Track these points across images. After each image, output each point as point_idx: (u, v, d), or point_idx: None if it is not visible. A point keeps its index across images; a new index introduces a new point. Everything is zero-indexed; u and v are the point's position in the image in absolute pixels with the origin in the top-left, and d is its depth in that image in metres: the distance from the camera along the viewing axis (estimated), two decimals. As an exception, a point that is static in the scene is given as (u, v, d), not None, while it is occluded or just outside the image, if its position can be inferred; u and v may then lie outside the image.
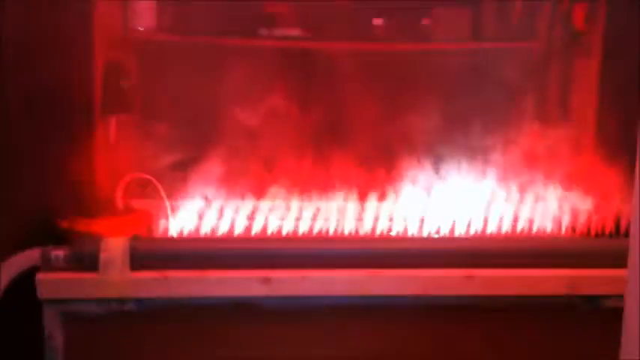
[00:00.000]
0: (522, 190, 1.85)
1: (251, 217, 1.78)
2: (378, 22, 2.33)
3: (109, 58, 2.08)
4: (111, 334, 1.66)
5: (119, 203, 1.92)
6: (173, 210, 1.86)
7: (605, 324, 1.44)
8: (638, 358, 1.14)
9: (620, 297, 1.18)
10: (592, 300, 1.69)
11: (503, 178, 1.87)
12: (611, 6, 2.10)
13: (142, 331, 1.66)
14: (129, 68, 2.17)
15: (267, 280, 1.64)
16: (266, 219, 1.77)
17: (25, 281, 1.64)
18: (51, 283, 1.63)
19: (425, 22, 2.33)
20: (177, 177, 1.92)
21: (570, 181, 1.88)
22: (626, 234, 1.76)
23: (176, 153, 1.98)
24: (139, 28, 2.24)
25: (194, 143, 1.99)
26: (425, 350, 1.70)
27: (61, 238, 1.74)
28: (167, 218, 1.84)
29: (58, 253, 1.65)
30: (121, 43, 2.16)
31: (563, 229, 1.82)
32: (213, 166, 1.89)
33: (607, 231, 1.80)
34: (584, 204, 1.83)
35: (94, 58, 2.02)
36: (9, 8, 1.72)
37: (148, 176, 1.92)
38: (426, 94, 2.15)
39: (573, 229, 1.82)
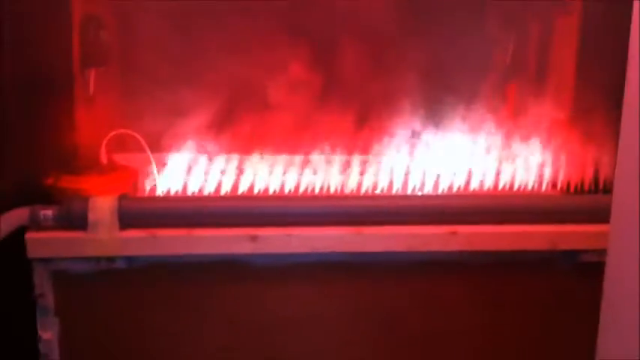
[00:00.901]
0: (504, 147, 1.88)
1: (238, 175, 1.79)
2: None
3: (87, 10, 2.05)
4: (101, 291, 1.68)
5: (103, 159, 1.91)
6: (158, 166, 1.86)
7: (585, 277, 1.49)
8: (618, 308, 1.18)
9: (599, 251, 1.22)
10: (571, 255, 1.73)
11: (485, 134, 1.90)
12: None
13: (132, 288, 1.68)
14: (107, 20, 2.14)
15: (254, 238, 1.67)
16: (253, 177, 1.78)
17: (14, 240, 1.65)
18: (40, 243, 1.64)
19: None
20: (161, 131, 1.91)
21: (551, 138, 1.91)
22: (605, 190, 1.81)
23: (159, 106, 1.97)
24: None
25: (177, 97, 1.98)
26: (410, 305, 1.74)
27: (47, 196, 1.74)
28: (153, 175, 1.85)
29: (47, 212, 1.65)
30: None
31: (544, 186, 1.85)
32: (198, 120, 1.89)
33: (586, 187, 1.83)
34: (564, 160, 1.86)
35: (72, 10, 1.99)
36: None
37: (132, 132, 1.92)
38: (406, 48, 2.15)
39: (554, 186, 1.85)
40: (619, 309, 1.19)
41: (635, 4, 1.13)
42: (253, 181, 1.79)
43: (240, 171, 1.79)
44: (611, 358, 1.20)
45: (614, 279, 1.20)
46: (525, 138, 1.89)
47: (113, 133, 1.90)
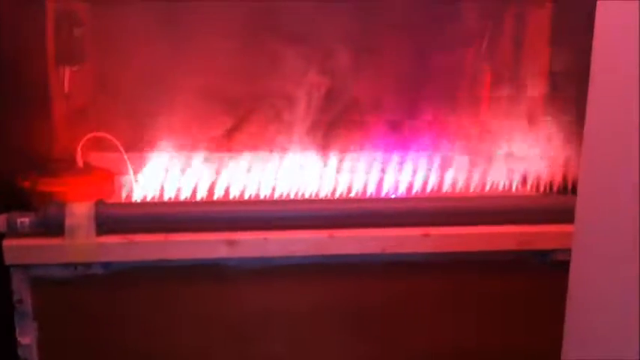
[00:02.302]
0: (474, 149, 1.91)
1: (214, 179, 1.80)
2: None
3: (61, 7, 2.04)
4: (79, 296, 1.69)
5: (79, 161, 1.92)
6: (135, 167, 1.87)
7: (556, 276, 1.52)
8: (582, 307, 1.21)
9: (569, 251, 1.24)
10: (543, 254, 1.77)
11: (455, 135, 1.92)
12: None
13: (110, 293, 1.70)
14: (82, 17, 2.13)
15: (231, 242, 1.69)
16: (228, 181, 1.80)
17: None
18: (17, 249, 1.65)
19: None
20: (137, 132, 1.92)
21: (521, 138, 1.94)
22: (574, 191, 1.85)
23: (134, 105, 1.98)
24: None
25: (152, 95, 1.99)
26: (384, 306, 1.78)
27: (23, 198, 1.75)
28: (129, 178, 1.86)
29: (24, 219, 1.66)
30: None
31: (514, 187, 1.88)
32: (175, 121, 1.89)
33: (555, 188, 1.87)
34: (534, 161, 1.89)
35: (46, 7, 1.99)
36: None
37: (107, 135, 1.92)
38: (373, 42, 2.16)
39: (524, 186, 1.89)
40: (584, 308, 1.22)
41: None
42: (229, 184, 1.80)
43: (216, 174, 1.80)
44: (576, 358, 1.23)
45: (579, 279, 1.23)
46: (496, 139, 1.91)
47: (88, 135, 1.90)
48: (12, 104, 1.82)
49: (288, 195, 1.82)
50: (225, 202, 1.79)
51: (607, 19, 1.12)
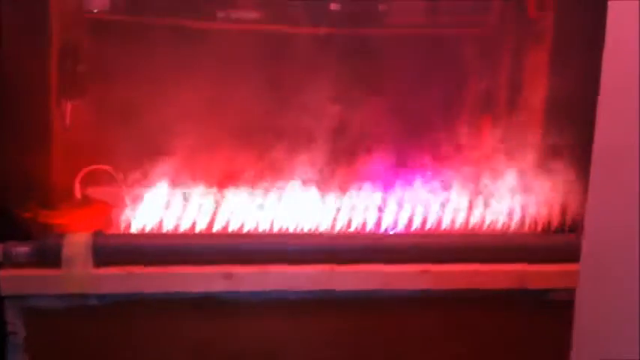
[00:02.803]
0: (474, 186, 1.91)
1: (213, 212, 1.80)
2: (334, 6, 2.34)
3: (64, 41, 2.05)
4: (74, 328, 1.68)
5: (77, 194, 1.91)
6: (133, 201, 1.87)
7: (554, 316, 1.51)
8: (588, 347, 1.20)
9: (568, 290, 1.24)
10: (541, 293, 1.76)
11: (455, 172, 1.92)
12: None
13: (105, 325, 1.68)
14: (84, 52, 2.15)
15: (228, 276, 1.68)
16: (227, 214, 1.80)
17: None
18: (13, 280, 1.64)
19: (378, 7, 2.34)
20: (136, 165, 1.92)
21: (519, 175, 1.94)
22: (572, 229, 1.85)
23: (135, 140, 1.98)
24: (94, 10, 2.21)
25: (153, 130, 1.99)
26: (383, 342, 1.76)
27: (21, 230, 1.74)
28: (127, 210, 1.85)
29: (20, 249, 1.65)
30: (77, 26, 2.14)
31: (513, 225, 1.88)
32: (173, 155, 1.89)
33: (554, 226, 1.86)
34: (533, 199, 1.89)
35: (50, 42, 2.00)
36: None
37: (107, 167, 1.92)
38: (379, 81, 2.18)
39: (522, 225, 1.88)
40: (589, 347, 1.21)
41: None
42: (228, 218, 1.79)
43: (215, 207, 1.80)
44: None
45: (584, 317, 1.22)
46: (495, 177, 1.91)
47: (87, 168, 1.90)
48: (13, 136, 1.82)
49: (288, 229, 1.81)
50: (223, 234, 1.78)
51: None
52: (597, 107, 1.15)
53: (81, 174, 1.92)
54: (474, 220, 1.87)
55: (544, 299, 1.77)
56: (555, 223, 1.87)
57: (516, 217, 1.88)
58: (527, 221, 1.88)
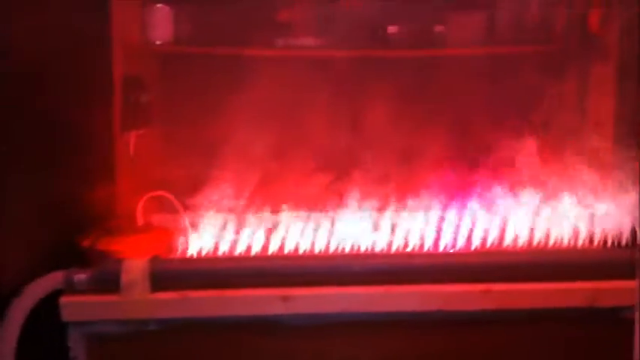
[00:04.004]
0: (539, 201, 1.85)
1: (268, 235, 1.79)
2: (392, 29, 2.33)
3: (127, 72, 2.10)
4: (134, 353, 1.69)
5: (139, 220, 1.94)
6: (192, 226, 1.88)
7: (626, 334, 1.44)
8: None
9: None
10: (612, 311, 1.68)
11: (520, 188, 1.87)
12: (626, 8, 2.08)
13: (164, 349, 1.69)
14: (148, 82, 2.19)
15: (286, 298, 1.66)
16: (283, 236, 1.79)
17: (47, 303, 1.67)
18: (74, 306, 1.66)
19: (439, 27, 2.33)
20: (197, 192, 1.93)
21: (587, 190, 1.87)
22: (643, 245, 1.77)
23: (197, 168, 1.99)
24: (157, 42, 2.25)
25: (214, 158, 2.00)
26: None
27: (83, 257, 1.77)
28: (186, 236, 1.86)
29: (81, 276, 1.67)
30: (140, 57, 2.18)
31: (580, 241, 1.81)
32: (233, 181, 1.90)
33: (623, 241, 1.79)
34: (601, 214, 1.82)
35: (113, 73, 2.04)
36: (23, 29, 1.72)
37: (167, 194, 1.95)
38: (441, 100, 2.16)
39: (590, 241, 1.81)
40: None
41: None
42: (284, 240, 1.78)
43: (270, 231, 1.79)
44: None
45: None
46: (561, 192, 1.85)
47: (148, 195, 1.93)
48: (77, 165, 1.86)
49: (344, 249, 1.78)
50: (279, 256, 1.77)
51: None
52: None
53: (142, 201, 1.94)
54: (539, 236, 1.81)
55: (616, 317, 1.68)
56: (625, 237, 1.79)
57: (583, 233, 1.81)
58: (596, 237, 1.80)
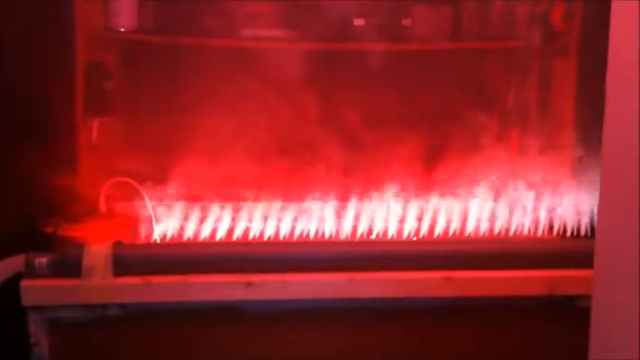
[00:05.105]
0: (500, 191, 1.87)
1: (232, 221, 1.79)
2: (358, 22, 2.34)
3: (90, 59, 2.08)
4: (96, 338, 1.68)
5: (102, 207, 1.92)
6: (156, 214, 1.87)
7: (584, 323, 1.47)
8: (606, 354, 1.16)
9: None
10: (570, 300, 1.71)
11: (481, 179, 1.89)
12: (589, 5, 2.11)
13: (126, 335, 1.68)
14: (111, 70, 2.17)
15: (249, 284, 1.66)
16: (247, 223, 1.79)
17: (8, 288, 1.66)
18: (35, 290, 1.64)
19: (404, 22, 2.34)
20: (161, 180, 1.92)
21: (547, 181, 1.90)
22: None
23: (160, 156, 1.98)
24: (121, 29, 2.24)
25: (176, 145, 2.00)
26: (405, 351, 1.73)
27: (44, 243, 1.75)
28: (150, 222, 1.86)
29: (42, 260, 1.66)
30: (103, 44, 2.16)
31: (540, 231, 1.84)
32: (196, 168, 1.90)
33: (582, 232, 1.82)
34: (561, 204, 1.85)
35: (76, 59, 2.02)
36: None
37: (130, 180, 1.93)
38: (403, 93, 2.17)
39: (550, 230, 1.84)
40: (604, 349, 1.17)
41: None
42: (248, 227, 1.78)
43: (235, 217, 1.79)
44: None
45: (601, 322, 1.19)
46: (522, 183, 1.88)
47: (111, 181, 1.92)
48: (40, 151, 1.84)
49: (308, 236, 1.79)
50: (243, 243, 1.77)
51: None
52: (604, 109, 1.14)
53: (105, 187, 1.92)
54: (500, 225, 1.83)
55: (574, 306, 1.71)
56: (585, 228, 1.82)
57: (544, 222, 1.84)
58: (556, 226, 1.83)
